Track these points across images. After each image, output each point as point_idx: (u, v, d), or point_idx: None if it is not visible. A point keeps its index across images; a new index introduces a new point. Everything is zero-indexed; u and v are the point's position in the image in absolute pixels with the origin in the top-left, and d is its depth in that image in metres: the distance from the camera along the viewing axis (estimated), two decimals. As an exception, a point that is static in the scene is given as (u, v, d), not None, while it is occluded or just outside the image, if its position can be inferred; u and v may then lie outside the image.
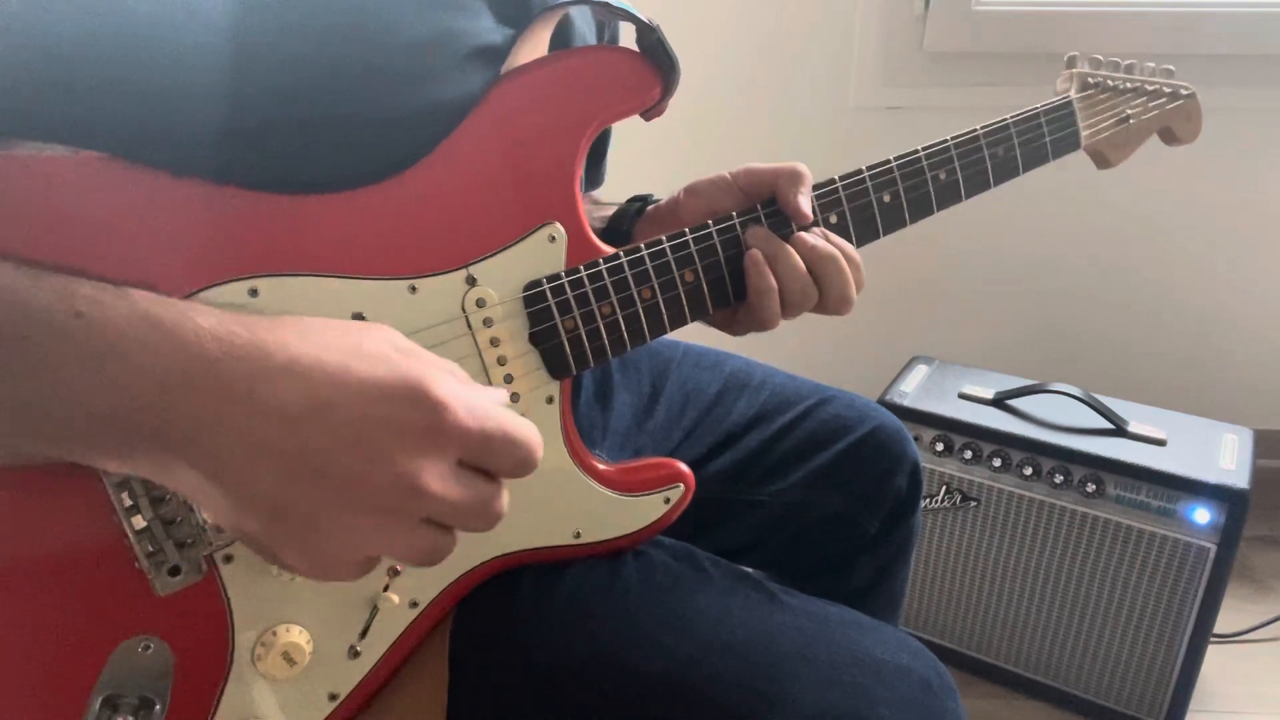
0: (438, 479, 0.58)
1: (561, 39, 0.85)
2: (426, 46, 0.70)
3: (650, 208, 0.99)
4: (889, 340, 2.19)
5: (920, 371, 1.87)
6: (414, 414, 0.58)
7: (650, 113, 0.83)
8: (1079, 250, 2.18)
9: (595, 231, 0.82)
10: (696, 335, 1.22)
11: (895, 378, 1.85)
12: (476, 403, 0.60)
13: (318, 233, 0.69)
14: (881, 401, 1.75)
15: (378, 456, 0.57)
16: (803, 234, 0.86)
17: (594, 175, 1.10)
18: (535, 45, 0.79)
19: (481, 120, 0.75)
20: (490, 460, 0.61)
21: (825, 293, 0.87)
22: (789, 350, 1.61)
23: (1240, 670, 1.87)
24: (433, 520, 0.61)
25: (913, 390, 1.80)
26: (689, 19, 2.01)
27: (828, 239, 0.87)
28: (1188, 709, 1.67)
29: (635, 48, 0.82)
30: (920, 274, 2.18)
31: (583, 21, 0.90)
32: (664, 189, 1.02)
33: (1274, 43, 1.94)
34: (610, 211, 1.02)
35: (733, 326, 0.92)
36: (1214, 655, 1.72)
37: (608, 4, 0.82)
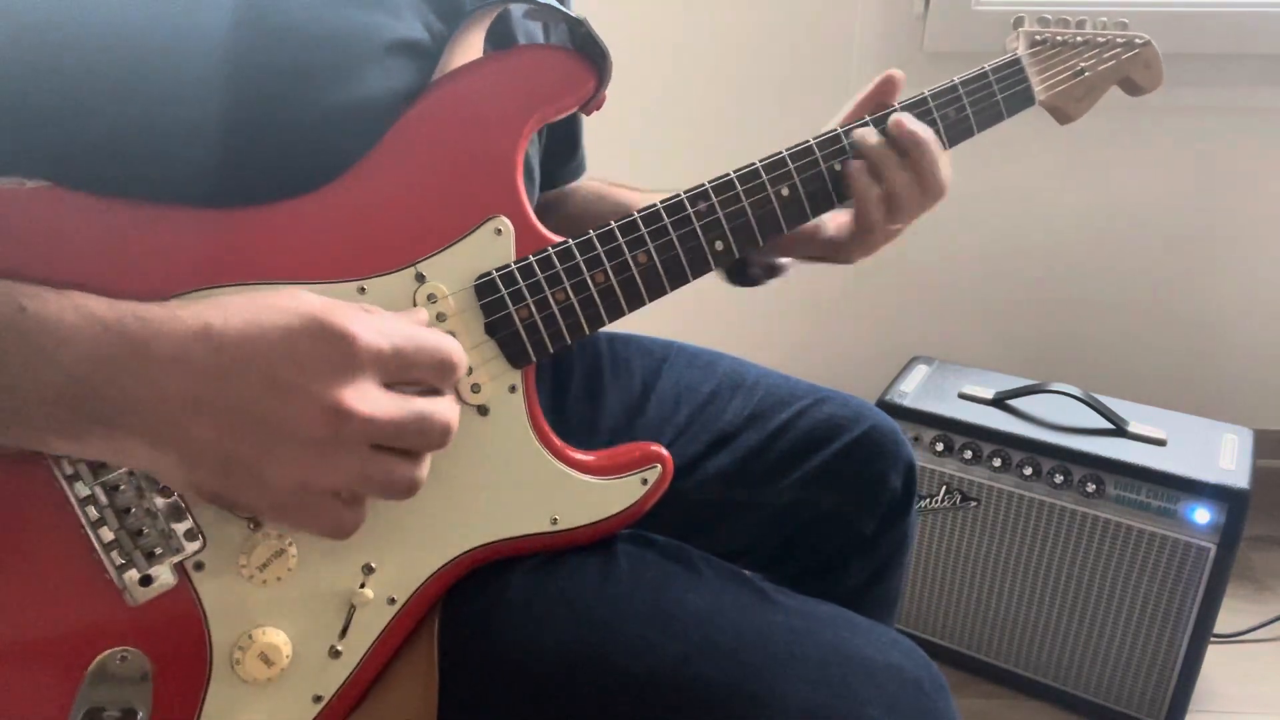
0: (362, 401, 0.62)
1: (503, 39, 0.86)
2: (340, 41, 0.71)
3: None
4: (889, 340, 2.18)
5: (920, 371, 1.87)
6: (322, 346, 0.61)
7: (589, 106, 0.84)
8: (1079, 250, 2.18)
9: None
10: (692, 335, 1.22)
11: (895, 378, 1.85)
12: (384, 324, 0.64)
13: (263, 242, 0.70)
14: (881, 402, 1.75)
15: (296, 393, 0.61)
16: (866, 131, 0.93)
17: (570, 167, 1.11)
18: (469, 45, 0.80)
19: (418, 121, 0.76)
20: (413, 373, 0.65)
21: (923, 179, 0.94)
22: (788, 349, 1.61)
23: (1240, 670, 1.86)
24: (383, 447, 0.65)
25: (912, 390, 1.80)
26: (689, 20, 2.01)
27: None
28: (1188, 709, 1.67)
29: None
30: (920, 274, 2.18)
31: (525, 21, 0.90)
32: (662, 186, 1.02)
33: (1274, 43, 1.94)
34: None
35: (842, 251, 1.00)
36: (1214, 655, 1.71)
37: (535, 2, 0.82)
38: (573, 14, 0.81)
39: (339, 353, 0.61)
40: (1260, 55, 1.95)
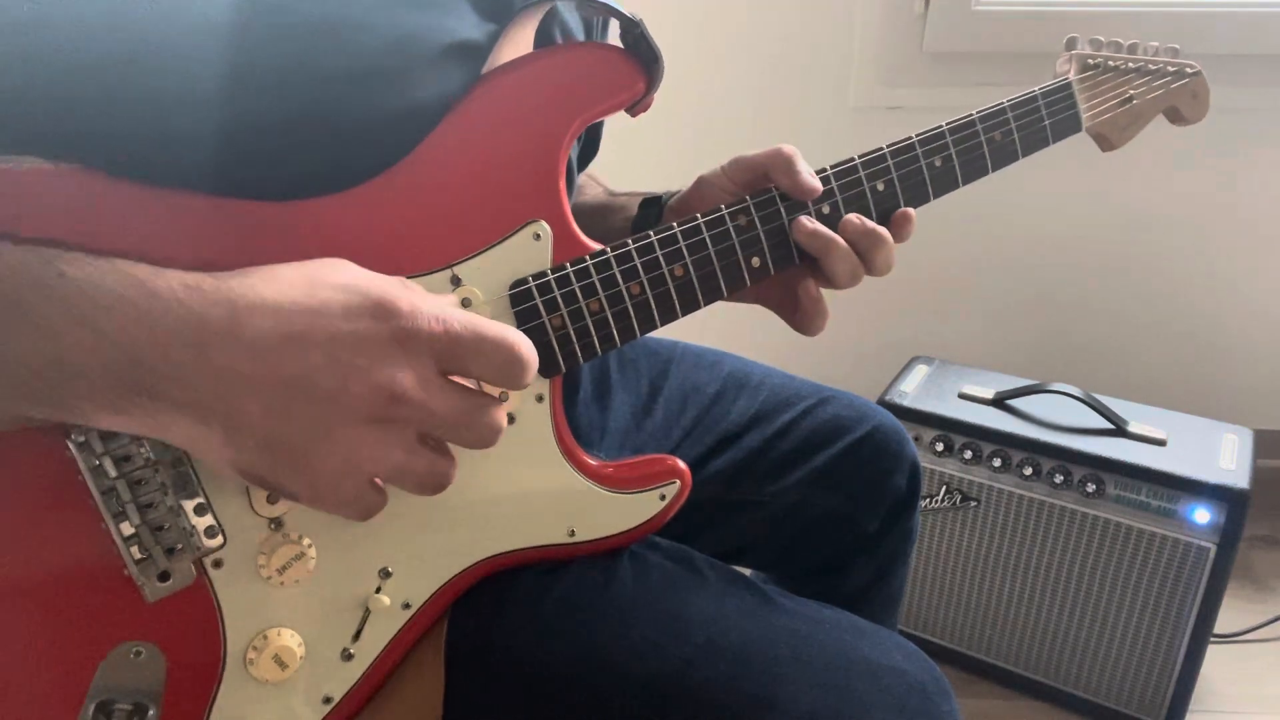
0: (416, 385, 0.61)
1: (549, 36, 0.84)
2: (398, 45, 0.70)
3: (666, 208, 1.00)
4: (889, 340, 2.19)
5: (920, 371, 1.87)
6: (379, 325, 0.60)
7: (635, 108, 0.83)
8: (1079, 250, 2.18)
9: (621, 232, 0.81)
10: (695, 335, 1.22)
11: (895, 378, 1.85)
12: (443, 309, 0.62)
13: (300, 237, 0.69)
14: (881, 401, 1.75)
15: (353, 372, 0.60)
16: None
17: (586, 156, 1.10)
18: (518, 43, 0.79)
19: (463, 119, 0.74)
20: (470, 365, 0.63)
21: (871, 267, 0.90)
22: (789, 350, 1.61)
23: (1240, 670, 1.87)
24: (427, 438, 0.64)
25: (913, 390, 1.80)
26: (689, 19, 2.01)
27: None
28: (1188, 709, 1.67)
29: (620, 44, 0.81)
30: (920, 274, 2.18)
31: (571, 18, 0.89)
32: (662, 189, 1.02)
33: (1274, 42, 1.94)
34: (630, 214, 1.03)
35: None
36: (1214, 655, 1.72)
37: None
38: (627, 14, 0.80)
39: (395, 332, 0.60)
40: (1260, 55, 1.95)
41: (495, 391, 0.73)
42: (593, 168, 1.09)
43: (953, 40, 1.99)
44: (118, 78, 0.61)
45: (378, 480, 0.64)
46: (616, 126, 0.94)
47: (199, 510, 0.67)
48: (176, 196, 0.65)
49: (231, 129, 0.65)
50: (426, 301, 0.62)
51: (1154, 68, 1.06)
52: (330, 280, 0.62)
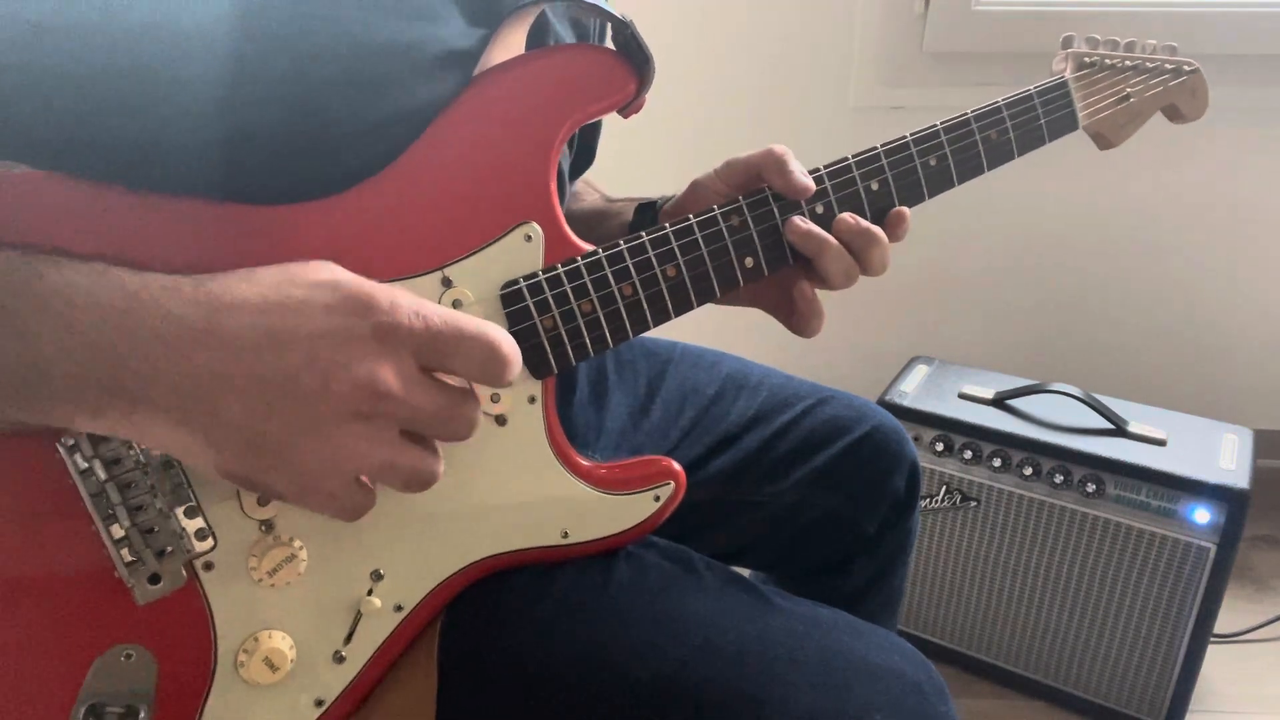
0: (398, 381, 0.61)
1: (539, 40, 0.84)
2: (391, 54, 0.69)
3: (661, 212, 1.00)
4: (889, 340, 2.19)
5: (920, 371, 1.86)
6: (359, 321, 0.60)
7: (627, 110, 0.82)
8: (1079, 250, 2.18)
9: (617, 237, 0.82)
10: (693, 335, 1.22)
11: (895, 378, 1.85)
12: (423, 306, 0.62)
13: (292, 240, 0.69)
14: (881, 401, 1.75)
15: (334, 369, 0.59)
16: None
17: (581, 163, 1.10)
18: (509, 46, 0.78)
19: (454, 122, 0.74)
20: (450, 361, 0.63)
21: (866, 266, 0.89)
22: (789, 350, 1.60)
23: (1240, 670, 1.86)
24: (411, 435, 0.64)
25: (913, 390, 1.79)
26: (688, 19, 2.00)
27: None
28: (1188, 709, 1.67)
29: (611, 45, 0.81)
30: (920, 274, 2.18)
31: (560, 22, 0.89)
32: (661, 190, 1.01)
33: (1274, 42, 1.94)
34: (626, 220, 1.03)
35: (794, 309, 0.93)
36: (1214, 655, 1.71)
37: (579, 0, 0.81)
38: (618, 15, 0.79)
39: (375, 328, 0.60)
40: (1260, 55, 1.95)
41: (483, 391, 0.73)
42: (592, 172, 1.08)
43: (953, 40, 1.99)
44: (113, 86, 0.61)
45: (364, 479, 0.64)
46: (617, 127, 0.94)
47: (189, 513, 0.67)
48: (166, 201, 0.65)
49: (224, 136, 0.65)
50: (406, 298, 0.62)
51: (1151, 65, 1.05)
52: (309, 278, 0.62)
